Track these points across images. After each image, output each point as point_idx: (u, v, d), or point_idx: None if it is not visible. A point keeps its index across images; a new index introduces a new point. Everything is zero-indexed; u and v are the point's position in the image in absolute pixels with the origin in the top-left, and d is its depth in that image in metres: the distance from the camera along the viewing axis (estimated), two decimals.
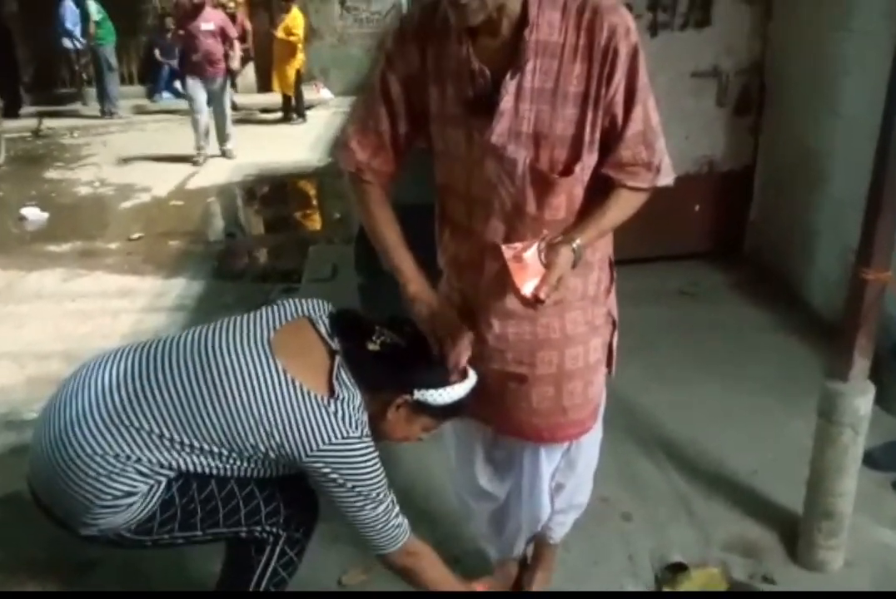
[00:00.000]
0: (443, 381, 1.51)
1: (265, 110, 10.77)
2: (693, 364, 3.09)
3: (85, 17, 10.27)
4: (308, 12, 10.95)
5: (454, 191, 1.52)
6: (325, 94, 11.64)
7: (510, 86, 1.34)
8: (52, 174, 7.88)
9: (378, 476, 1.47)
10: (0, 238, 5.79)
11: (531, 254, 1.33)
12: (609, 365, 1.71)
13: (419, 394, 1.49)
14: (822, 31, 3.35)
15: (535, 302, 1.30)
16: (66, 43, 10.53)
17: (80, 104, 11.17)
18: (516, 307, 1.47)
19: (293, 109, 10.13)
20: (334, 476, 1.42)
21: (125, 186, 7.18)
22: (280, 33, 9.68)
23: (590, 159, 1.42)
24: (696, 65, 3.77)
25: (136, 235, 5.72)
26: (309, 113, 10.30)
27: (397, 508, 1.54)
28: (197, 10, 7.61)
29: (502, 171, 1.41)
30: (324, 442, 1.39)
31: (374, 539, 1.52)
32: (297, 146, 8.64)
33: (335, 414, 1.40)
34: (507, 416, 1.65)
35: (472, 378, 1.55)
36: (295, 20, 9.71)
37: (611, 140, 1.41)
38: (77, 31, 10.42)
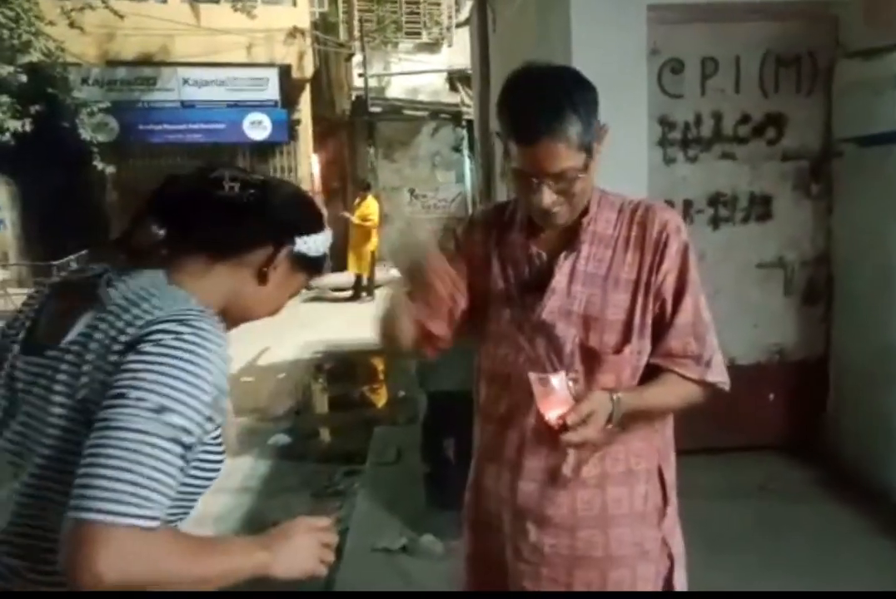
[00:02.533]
0: (320, 225, 1.21)
1: (336, 289, 11.29)
2: (775, 570, 2.84)
3: None
4: (380, 200, 11.79)
5: (500, 375, 1.52)
6: (395, 273, 12.18)
7: (564, 266, 1.44)
8: None
9: None
10: None
11: (558, 380, 1.33)
12: None
13: (301, 243, 1.17)
14: (887, 225, 3.42)
15: (560, 429, 1.28)
16: None
17: None
18: (555, 513, 1.44)
19: (364, 288, 10.61)
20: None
21: None
22: (356, 219, 10.38)
23: (640, 343, 1.44)
24: (761, 256, 3.84)
25: None
26: (378, 292, 10.75)
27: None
28: None
29: (551, 350, 1.44)
30: None
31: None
32: (365, 323, 8.87)
33: None
34: None
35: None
36: (370, 207, 10.46)
37: (661, 329, 1.44)
38: None
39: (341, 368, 7.41)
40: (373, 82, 13.48)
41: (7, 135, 8.99)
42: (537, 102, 1.33)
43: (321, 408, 6.51)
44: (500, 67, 5.46)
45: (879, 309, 3.52)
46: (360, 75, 13.18)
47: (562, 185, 1.36)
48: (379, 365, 7.51)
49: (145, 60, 12.09)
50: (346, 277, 11.05)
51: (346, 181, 12.95)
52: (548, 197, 1.36)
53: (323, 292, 11.30)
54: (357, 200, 10.73)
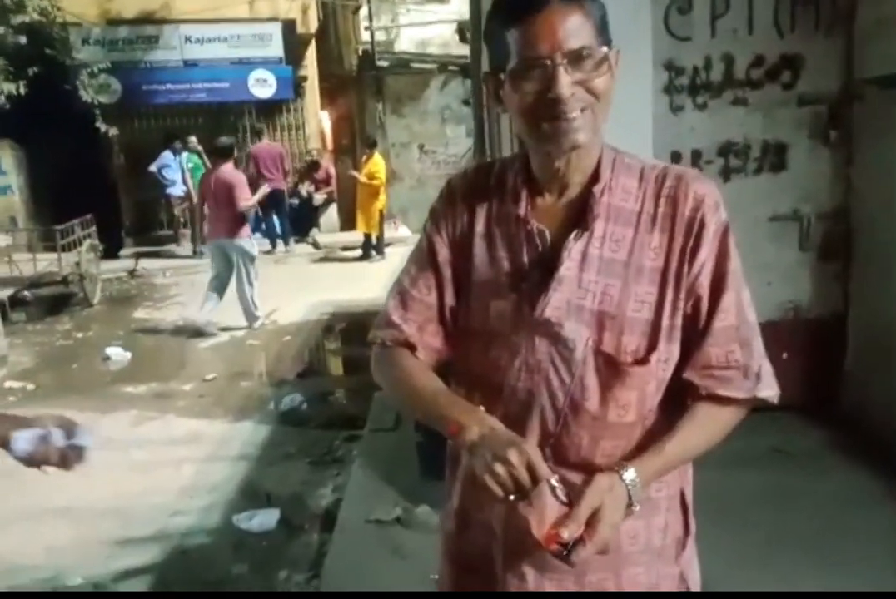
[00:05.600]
0: None
1: (346, 248, 11.15)
2: (786, 544, 2.70)
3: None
4: (389, 156, 11.53)
5: (485, 383, 1.20)
6: (404, 231, 12.04)
7: (573, 250, 1.13)
8: (140, 313, 8.21)
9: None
10: (85, 377, 5.94)
11: (541, 490, 1.03)
12: None
13: None
14: None
15: (559, 548, 1.01)
16: (172, 190, 11.31)
17: (174, 245, 11.85)
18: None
19: (374, 247, 10.46)
20: None
21: (206, 325, 7.36)
22: (363, 177, 10.18)
23: (668, 350, 1.14)
24: (775, 209, 3.63)
25: (210, 376, 5.77)
26: (387, 250, 10.60)
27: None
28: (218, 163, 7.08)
29: (556, 355, 1.13)
30: None
31: None
32: (375, 283, 8.76)
33: None
34: None
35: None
36: (377, 165, 10.23)
37: (695, 334, 1.15)
38: (177, 179, 11.22)
39: (350, 329, 7.30)
40: (380, 35, 13.09)
41: (2, 99, 8.81)
42: None
43: (329, 371, 6.42)
44: None
45: None
46: (367, 29, 12.79)
47: (581, 74, 1.06)
48: None
49: (146, 18, 11.78)
50: (356, 236, 10.89)
51: (355, 138, 12.68)
52: (565, 80, 1.04)
53: (332, 252, 11.16)
54: (364, 158, 10.50)
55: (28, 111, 9.26)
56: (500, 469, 1.00)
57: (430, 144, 12.56)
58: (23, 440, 1.28)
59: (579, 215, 1.15)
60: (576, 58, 1.05)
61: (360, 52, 12.85)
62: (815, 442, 3.51)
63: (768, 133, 3.58)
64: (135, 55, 11.81)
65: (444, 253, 1.24)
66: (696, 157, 3.55)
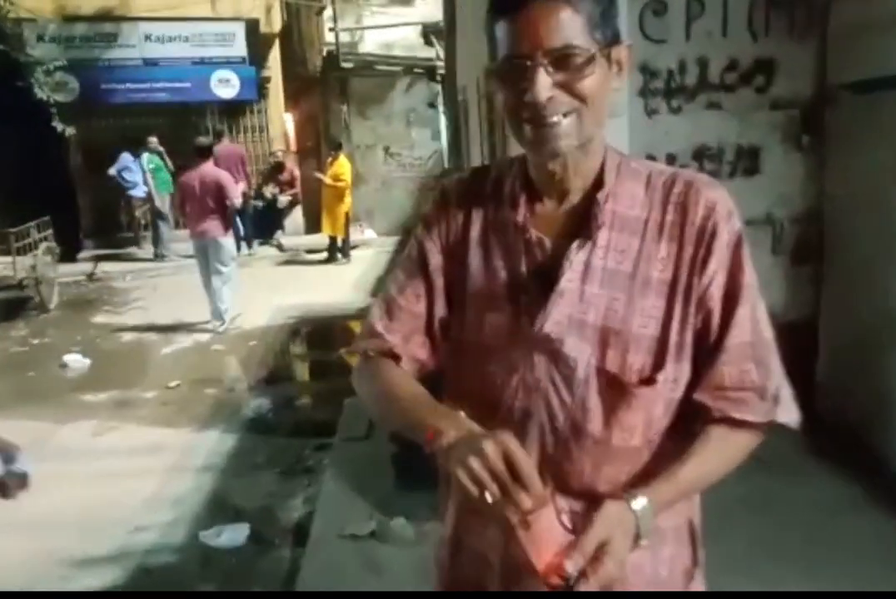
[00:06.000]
0: None
1: (311, 251, 10.99)
2: (769, 552, 2.68)
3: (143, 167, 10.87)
4: (354, 158, 11.41)
5: (479, 400, 1.10)
6: (369, 234, 11.92)
7: (575, 261, 1.06)
8: (99, 318, 7.98)
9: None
10: (40, 386, 5.73)
11: (541, 514, 0.93)
12: None
13: None
14: (884, 179, 3.19)
15: (559, 582, 0.91)
16: (133, 192, 11.05)
17: (135, 248, 11.57)
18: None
19: (339, 250, 10.33)
20: None
21: (168, 329, 7.19)
22: (328, 179, 10.04)
23: (677, 370, 1.07)
24: (748, 213, 3.56)
25: (173, 383, 5.61)
26: (353, 253, 10.48)
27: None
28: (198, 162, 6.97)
29: (556, 373, 1.06)
30: None
31: None
32: (341, 286, 8.68)
33: None
34: None
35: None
36: (342, 167, 10.11)
37: (706, 351, 1.07)
38: (138, 181, 10.97)
39: (316, 334, 7.18)
40: (345, 37, 12.93)
41: None
42: None
43: (296, 376, 6.29)
44: (470, 17, 5.13)
45: (875, 269, 3.31)
46: (332, 30, 12.64)
47: (564, 75, 0.98)
48: (354, 330, 7.29)
49: (105, 15, 11.50)
50: (321, 239, 10.75)
51: (320, 140, 12.53)
52: (544, 82, 0.97)
53: (297, 254, 11.01)
54: (329, 160, 10.37)
55: None
56: (474, 462, 0.90)
57: (396, 147, 12.45)
58: None
59: (581, 223, 1.07)
60: (559, 57, 0.98)
61: (325, 54, 12.70)
62: (790, 447, 3.49)
63: (742, 137, 3.57)
64: (92, 53, 11.50)
65: (436, 260, 1.17)
66: (671, 162, 3.52)
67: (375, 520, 2.98)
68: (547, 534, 0.94)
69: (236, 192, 7.04)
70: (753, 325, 1.07)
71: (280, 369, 6.30)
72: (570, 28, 0.97)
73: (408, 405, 1.09)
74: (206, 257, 6.95)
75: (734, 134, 3.56)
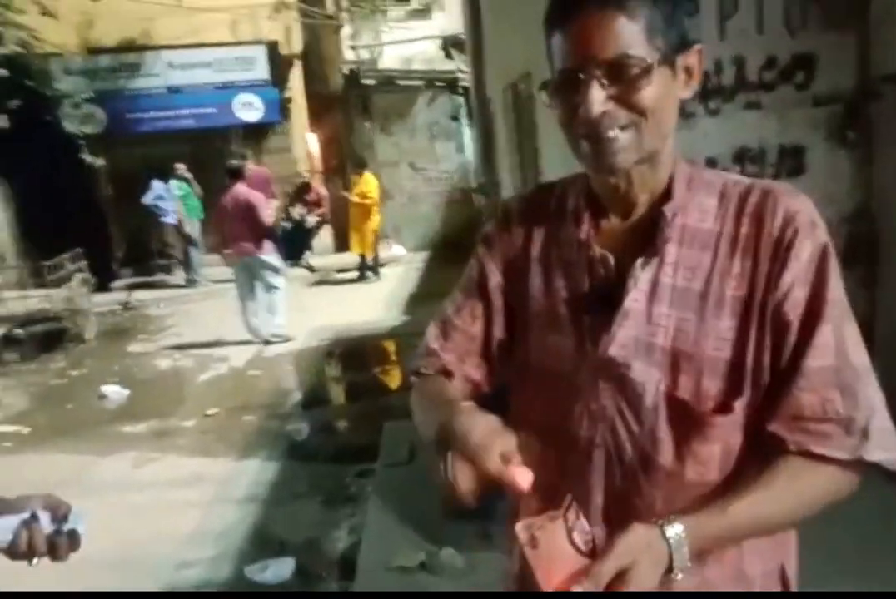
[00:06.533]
0: None
1: (341, 270, 10.97)
2: (823, 556, 2.52)
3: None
4: (379, 175, 11.39)
5: (543, 429, 1.04)
6: (398, 251, 11.88)
7: (641, 279, 0.99)
8: (135, 347, 8.00)
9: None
10: (81, 418, 5.73)
11: (552, 530, 0.86)
12: None
13: None
14: None
15: None
16: (166, 219, 11.14)
17: (167, 275, 11.64)
18: None
19: (369, 268, 10.29)
20: None
21: (204, 357, 7.18)
22: (355, 197, 10.03)
23: (756, 397, 0.96)
24: None
25: (211, 411, 5.57)
26: (382, 270, 10.44)
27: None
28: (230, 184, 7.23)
29: (623, 401, 0.98)
30: None
31: None
32: (373, 305, 8.62)
33: None
34: None
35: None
36: (368, 184, 10.09)
37: (783, 375, 0.95)
38: (170, 208, 11.05)
39: (351, 355, 7.11)
40: (365, 54, 13.00)
41: None
42: None
43: (333, 399, 6.21)
44: (494, 29, 5.06)
45: None
46: (352, 47, 12.70)
47: (619, 88, 0.92)
48: (390, 347, 7.20)
49: (128, 46, 11.67)
50: (350, 257, 10.72)
51: (345, 158, 12.55)
52: (597, 96, 0.91)
53: (327, 274, 10.99)
54: (354, 178, 10.36)
55: (12, 145, 9.10)
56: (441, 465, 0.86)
57: (420, 161, 12.43)
58: (1, 529, 1.08)
59: (648, 239, 1.00)
60: (613, 69, 0.92)
61: (345, 71, 12.75)
62: None
63: (784, 136, 3.43)
64: (117, 83, 11.68)
65: (496, 279, 1.13)
66: (711, 165, 3.38)
67: (424, 551, 2.87)
68: (558, 554, 0.85)
69: (267, 211, 7.26)
70: (839, 348, 0.95)
71: (316, 392, 6.23)
72: (625, 37, 0.91)
73: (435, 410, 1.02)
74: (248, 275, 7.20)
75: (776, 133, 3.42)
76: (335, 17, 12.88)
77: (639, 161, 0.97)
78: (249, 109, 12.01)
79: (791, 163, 3.48)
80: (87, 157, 10.03)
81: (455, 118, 12.43)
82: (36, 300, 7.84)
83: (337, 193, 11.27)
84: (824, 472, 0.94)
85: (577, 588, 0.81)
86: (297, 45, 12.50)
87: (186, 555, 3.40)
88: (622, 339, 0.98)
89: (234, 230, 7.02)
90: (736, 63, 3.33)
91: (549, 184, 1.16)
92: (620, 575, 0.82)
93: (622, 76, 0.92)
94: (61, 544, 1.11)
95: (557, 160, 3.81)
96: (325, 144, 12.93)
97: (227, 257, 7.29)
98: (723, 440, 0.96)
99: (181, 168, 10.99)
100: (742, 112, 3.39)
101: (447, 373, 1.13)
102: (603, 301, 1.01)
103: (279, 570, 3.15)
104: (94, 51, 11.47)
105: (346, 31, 12.88)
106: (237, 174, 7.21)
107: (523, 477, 0.85)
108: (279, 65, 12.14)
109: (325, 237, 12.20)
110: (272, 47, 12.10)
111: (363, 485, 3.90)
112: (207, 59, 11.87)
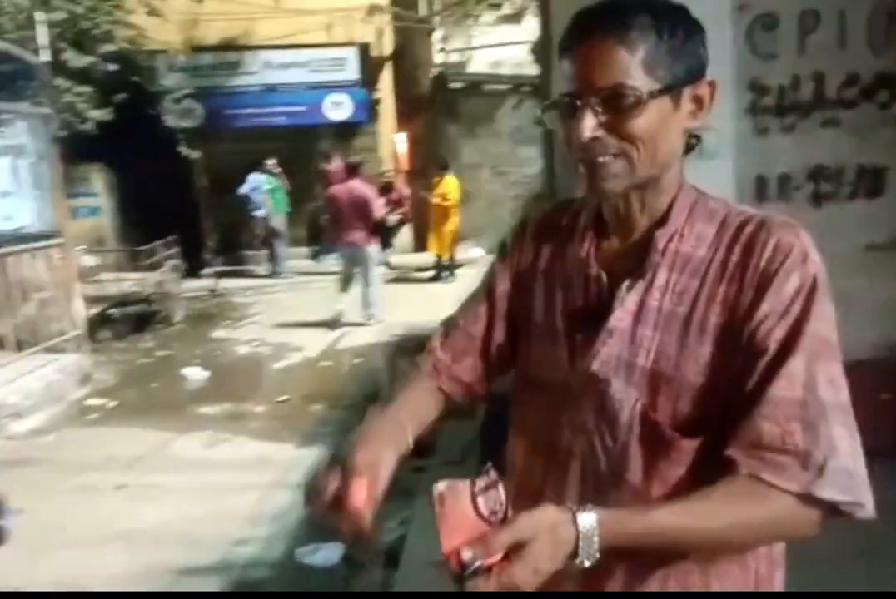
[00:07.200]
0: None
1: (419, 269, 11.15)
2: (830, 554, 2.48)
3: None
4: (461, 177, 11.52)
5: (533, 438, 1.11)
6: (475, 252, 11.97)
7: (628, 299, 1.02)
8: (219, 333, 8.36)
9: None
10: (163, 396, 6.06)
11: (458, 492, 0.88)
12: None
13: None
14: None
15: (457, 568, 0.84)
16: (257, 212, 11.59)
17: (255, 265, 12.09)
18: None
19: (446, 268, 10.43)
20: None
21: (281, 346, 7.46)
22: (436, 199, 10.18)
23: (728, 425, 0.98)
24: (871, 237, 3.39)
25: (282, 398, 5.80)
26: (458, 271, 10.56)
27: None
28: (344, 178, 8.03)
29: (601, 416, 1.01)
30: None
31: None
32: (444, 305, 8.68)
33: None
34: None
35: None
36: (449, 186, 10.22)
37: (746, 401, 0.95)
38: (263, 200, 11.48)
39: (418, 351, 7.21)
40: (454, 57, 13.17)
41: (90, 125, 9.20)
42: (599, 3, 0.98)
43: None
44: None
45: None
46: (442, 50, 12.88)
47: (613, 116, 0.95)
48: None
49: (229, 45, 12.18)
50: (429, 257, 10.89)
51: (429, 160, 12.75)
52: (589, 123, 0.95)
53: (405, 273, 11.19)
54: (436, 179, 10.51)
55: (116, 136, 9.64)
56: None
57: (503, 165, 12.50)
58: None
59: (641, 262, 1.03)
60: (608, 97, 0.95)
61: (434, 74, 12.94)
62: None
63: (863, 156, 3.35)
64: (217, 81, 12.19)
65: (503, 286, 1.19)
66: (785, 182, 3.35)
67: None
68: (460, 516, 0.88)
69: (380, 206, 8.01)
70: (808, 381, 0.93)
71: (382, 387, 6.39)
72: (622, 67, 0.95)
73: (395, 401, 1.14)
74: (352, 264, 7.89)
75: (854, 152, 3.35)
76: (427, 20, 13.09)
77: (632, 187, 1.01)
78: (338, 109, 12.35)
79: (870, 183, 3.39)
80: (185, 150, 10.51)
81: (539, 123, 12.43)
82: (130, 283, 8.31)
83: (417, 194, 11.46)
84: (777, 500, 0.92)
85: (466, 553, 0.83)
86: (388, 48, 12.77)
87: (244, 533, 3.59)
88: (604, 356, 1.02)
89: (345, 221, 7.65)
90: (815, 79, 3.27)
91: (569, 201, 1.20)
92: (517, 549, 0.83)
93: (616, 105, 0.95)
94: None
95: None
96: (411, 145, 13.16)
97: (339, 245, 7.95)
98: (690, 464, 0.97)
99: (271, 163, 11.39)
100: (819, 129, 3.33)
101: (436, 372, 1.20)
102: (593, 318, 1.05)
103: (329, 554, 3.29)
104: (197, 49, 12.02)
105: (437, 34, 13.06)
106: (355, 169, 7.88)
107: (355, 494, 0.96)
108: (370, 66, 12.44)
109: (405, 236, 12.42)
110: (363, 49, 12.41)
111: (418, 480, 4.00)
112: (302, 60, 12.27)
